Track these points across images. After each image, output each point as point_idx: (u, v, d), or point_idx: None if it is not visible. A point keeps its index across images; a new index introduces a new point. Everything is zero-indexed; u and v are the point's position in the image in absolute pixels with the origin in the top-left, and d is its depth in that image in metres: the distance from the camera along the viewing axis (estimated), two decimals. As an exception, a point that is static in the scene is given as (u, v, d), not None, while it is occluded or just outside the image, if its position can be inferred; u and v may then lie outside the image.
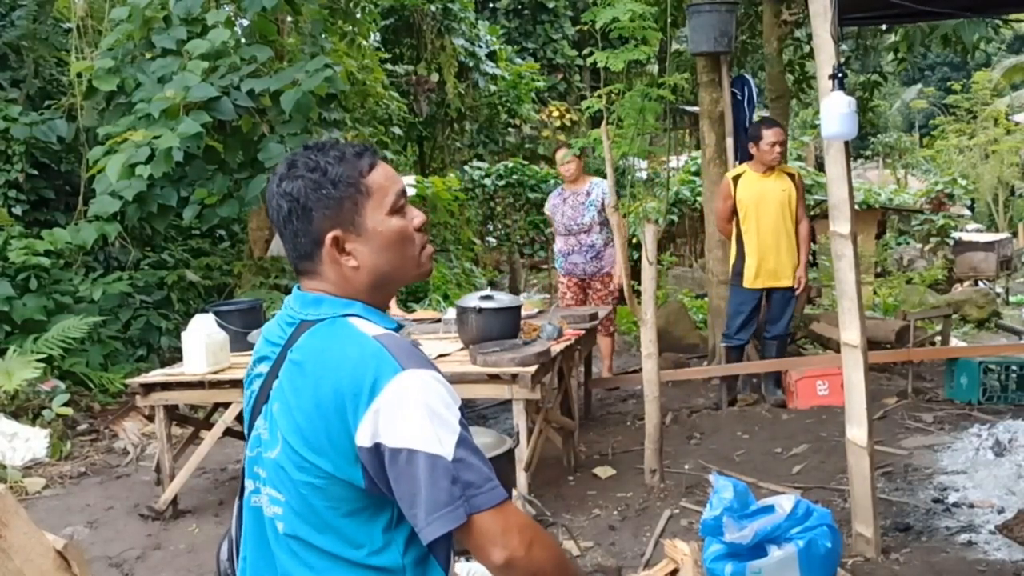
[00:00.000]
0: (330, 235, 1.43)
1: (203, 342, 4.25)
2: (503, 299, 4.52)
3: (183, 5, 6.41)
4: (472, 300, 4.43)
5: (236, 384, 4.24)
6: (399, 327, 1.52)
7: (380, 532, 1.39)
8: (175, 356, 5.61)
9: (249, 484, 1.52)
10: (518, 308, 4.53)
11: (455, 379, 3.97)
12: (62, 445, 5.43)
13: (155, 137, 5.82)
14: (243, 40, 6.89)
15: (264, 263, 7.77)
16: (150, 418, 5.29)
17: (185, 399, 4.56)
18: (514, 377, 3.94)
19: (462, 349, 4.44)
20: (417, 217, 1.50)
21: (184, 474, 4.47)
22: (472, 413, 5.89)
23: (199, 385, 4.30)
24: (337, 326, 1.43)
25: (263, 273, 7.67)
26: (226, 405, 4.43)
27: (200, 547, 4.05)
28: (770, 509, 2.92)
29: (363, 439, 1.33)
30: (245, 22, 7.16)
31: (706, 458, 4.76)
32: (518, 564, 1.33)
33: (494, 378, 4.02)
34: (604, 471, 4.64)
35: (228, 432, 4.67)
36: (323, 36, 7.85)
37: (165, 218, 6.62)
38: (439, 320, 5.23)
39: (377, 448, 1.32)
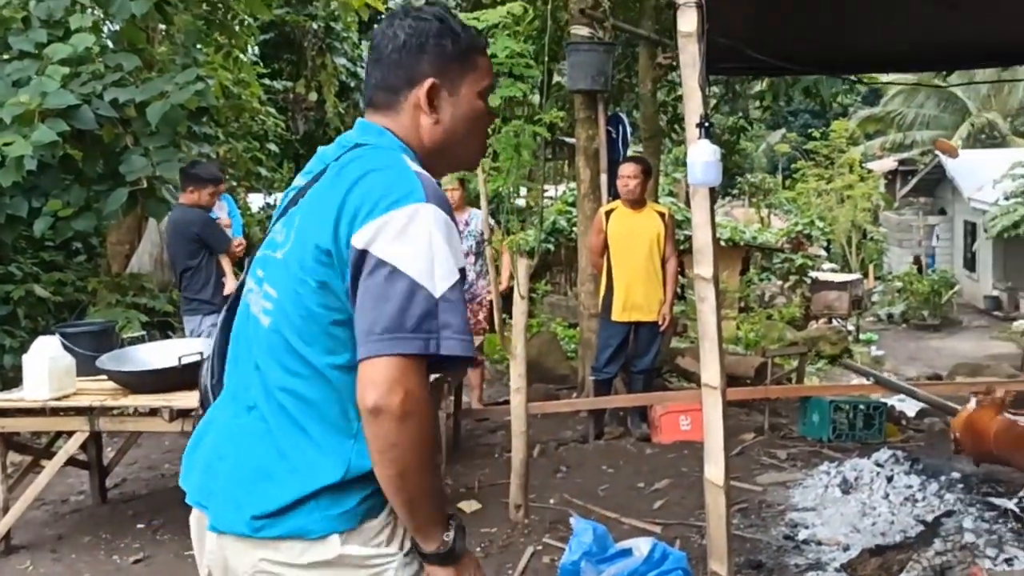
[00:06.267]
0: (431, 80, 1.50)
1: (46, 366, 3.98)
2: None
3: (44, 7, 6.07)
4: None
5: (81, 412, 4.00)
6: None
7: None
8: (20, 377, 5.25)
9: (248, 283, 1.58)
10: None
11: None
12: None
13: (6, 144, 5.47)
14: (110, 47, 6.58)
15: (122, 280, 7.39)
16: (-15, 445, 4.92)
17: (24, 426, 4.26)
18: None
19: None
20: (491, 115, 1.64)
21: (20, 506, 4.15)
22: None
23: (39, 412, 4.03)
24: (392, 152, 1.46)
25: (120, 290, 7.29)
26: (70, 433, 4.16)
27: (33, 587, 3.77)
28: (628, 552, 2.95)
29: (359, 240, 1.34)
30: (116, 27, 6.84)
31: (571, 492, 4.78)
32: (384, 420, 1.30)
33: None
34: (469, 505, 4.59)
35: (71, 462, 4.39)
36: (197, 47, 7.59)
37: (14, 229, 6.23)
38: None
39: (364, 254, 1.33)
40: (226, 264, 5.57)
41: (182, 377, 3.96)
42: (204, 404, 1.68)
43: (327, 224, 1.38)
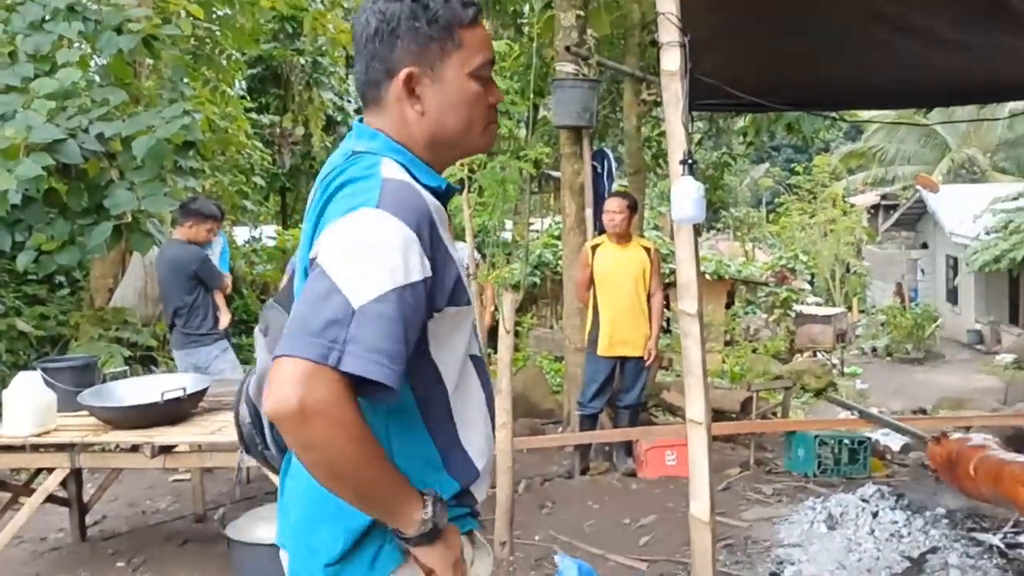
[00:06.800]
0: (406, 70, 1.39)
1: (27, 402, 3.93)
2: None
3: (31, 41, 6.08)
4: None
5: (62, 448, 3.95)
6: (450, 189, 1.48)
7: None
8: (0, 412, 5.18)
9: None
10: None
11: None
12: None
13: (-10, 178, 5.45)
14: (97, 81, 6.59)
15: (105, 314, 7.34)
16: (-38, 482, 4.85)
17: (3, 463, 4.19)
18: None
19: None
20: (494, 95, 1.46)
21: (-2, 544, 4.09)
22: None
23: (19, 448, 3.97)
24: (367, 160, 1.37)
25: (103, 324, 7.24)
26: (50, 470, 4.11)
27: (9, 628, 3.70)
28: (613, 589, 2.93)
29: (314, 250, 1.31)
30: (102, 61, 6.87)
31: (557, 529, 4.75)
32: (284, 424, 1.19)
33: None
34: (454, 542, 4.55)
35: (51, 499, 4.33)
36: (184, 82, 7.62)
37: (-4, 263, 6.19)
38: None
39: (313, 262, 1.30)
40: (219, 299, 5.57)
41: (164, 413, 3.93)
42: (248, 446, 1.59)
43: (308, 246, 1.36)
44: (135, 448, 3.90)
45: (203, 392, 4.10)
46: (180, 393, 3.92)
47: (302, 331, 1.20)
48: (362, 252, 1.24)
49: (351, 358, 1.19)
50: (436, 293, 1.33)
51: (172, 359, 7.76)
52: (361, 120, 1.48)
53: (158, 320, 7.75)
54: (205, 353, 5.42)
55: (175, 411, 3.97)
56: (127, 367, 5.30)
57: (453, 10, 1.40)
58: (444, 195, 1.46)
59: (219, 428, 3.86)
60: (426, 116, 1.41)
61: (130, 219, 6.02)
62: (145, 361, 7.41)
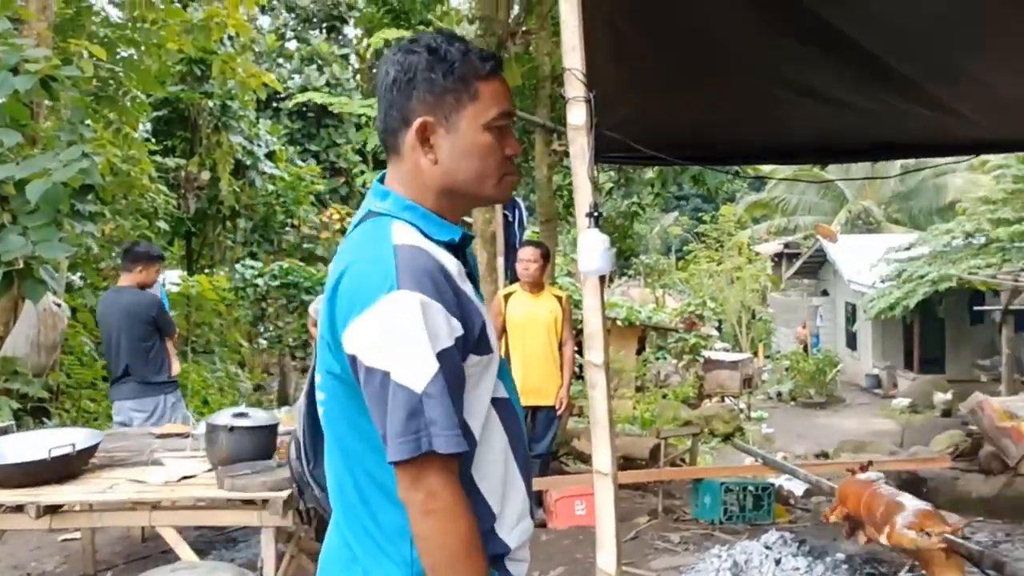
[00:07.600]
0: (420, 119, 1.42)
1: (-101, 461, 3.69)
2: (258, 416, 4.28)
3: (-81, 80, 5.82)
4: (224, 417, 4.16)
5: (-64, 511, 3.70)
6: (465, 237, 1.50)
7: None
8: None
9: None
10: (274, 427, 4.29)
11: (203, 504, 3.70)
12: None
13: None
14: (-9, 121, 6.34)
15: (-7, 364, 6.99)
16: None
17: None
18: (264, 502, 3.71)
19: (210, 470, 4.14)
20: (511, 147, 1.48)
21: None
22: (221, 536, 5.48)
23: None
24: (379, 225, 1.41)
25: (-9, 375, 6.88)
26: (-77, 533, 3.84)
27: None
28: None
29: (347, 345, 1.34)
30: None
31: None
32: (416, 520, 1.31)
33: (248, 502, 3.77)
34: (360, 599, 4.42)
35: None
36: (85, 123, 7.39)
37: None
38: (188, 436, 4.88)
39: (354, 360, 1.33)
40: (170, 346, 5.43)
41: (52, 470, 3.73)
42: (300, 489, 1.67)
43: (327, 314, 1.40)
44: (19, 508, 3.69)
45: (94, 448, 3.92)
46: (69, 449, 3.73)
47: (392, 436, 1.29)
48: (400, 338, 1.30)
49: (438, 439, 1.28)
50: (465, 347, 1.38)
51: (66, 411, 7.44)
52: (382, 179, 1.52)
53: (51, 370, 7.41)
54: (161, 401, 5.29)
55: (64, 468, 3.77)
56: (14, 421, 5.04)
57: (471, 63, 1.44)
58: (459, 246, 1.49)
59: (110, 486, 3.69)
60: (439, 165, 1.44)
61: (22, 265, 5.77)
62: (37, 413, 7.06)
